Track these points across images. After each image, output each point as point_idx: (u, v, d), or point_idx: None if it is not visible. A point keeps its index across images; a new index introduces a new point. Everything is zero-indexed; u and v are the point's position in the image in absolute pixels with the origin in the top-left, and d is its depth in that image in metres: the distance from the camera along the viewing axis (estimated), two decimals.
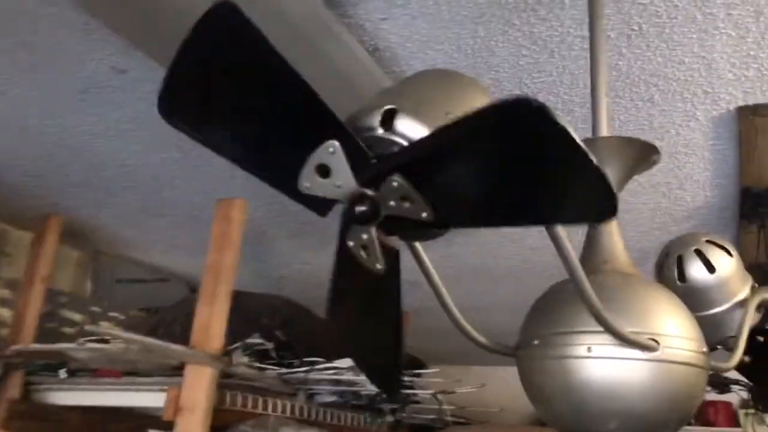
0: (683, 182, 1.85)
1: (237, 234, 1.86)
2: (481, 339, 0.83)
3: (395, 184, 0.58)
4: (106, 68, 1.50)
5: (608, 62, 1.38)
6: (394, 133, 0.60)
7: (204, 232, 2.50)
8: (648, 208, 2.03)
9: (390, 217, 0.61)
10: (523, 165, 0.55)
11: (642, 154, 0.90)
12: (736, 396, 2.80)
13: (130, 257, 2.84)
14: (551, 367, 0.78)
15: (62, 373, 1.92)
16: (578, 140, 0.51)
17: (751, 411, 2.03)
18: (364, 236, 0.64)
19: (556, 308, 0.81)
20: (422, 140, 0.60)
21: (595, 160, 0.53)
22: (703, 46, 1.32)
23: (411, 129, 0.61)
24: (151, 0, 1.18)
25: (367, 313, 0.77)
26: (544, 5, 1.24)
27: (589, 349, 0.76)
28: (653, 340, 0.75)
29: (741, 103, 1.49)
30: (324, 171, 0.60)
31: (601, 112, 0.94)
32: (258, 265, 2.83)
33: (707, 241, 1.08)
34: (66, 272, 2.57)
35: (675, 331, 0.78)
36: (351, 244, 0.65)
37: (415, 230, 0.64)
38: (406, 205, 0.59)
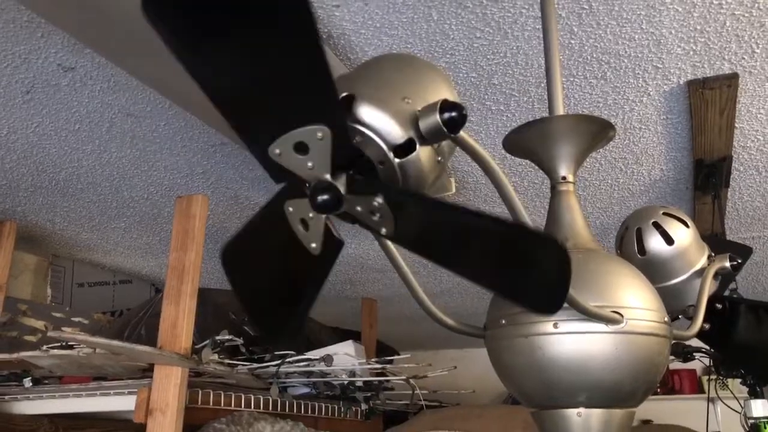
0: (639, 157, 1.88)
1: (200, 231, 1.83)
2: (450, 322, 0.83)
3: (375, 203, 0.58)
4: (53, 66, 1.46)
5: (560, 42, 1.39)
6: (353, 119, 0.60)
7: (165, 231, 2.47)
8: (606, 184, 2.06)
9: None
10: (506, 260, 0.58)
11: (598, 131, 0.91)
12: (699, 363, 2.89)
13: (90, 260, 2.78)
14: (519, 345, 0.79)
15: (27, 382, 1.88)
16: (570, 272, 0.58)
17: (714, 377, 2.09)
18: (311, 214, 0.62)
19: None
20: (430, 200, 0.60)
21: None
22: (652, 22, 1.35)
23: (368, 115, 0.60)
24: None
25: (273, 277, 0.74)
26: None
27: (555, 325, 0.77)
28: (617, 312, 0.77)
29: (690, 77, 1.52)
30: (302, 148, 0.57)
31: (556, 91, 0.95)
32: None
33: (664, 214, 1.10)
34: (24, 279, 2.51)
35: (637, 303, 0.79)
36: (290, 210, 0.63)
37: (367, 229, 0.64)
38: (373, 217, 0.58)
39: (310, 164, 0.58)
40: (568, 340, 0.77)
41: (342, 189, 0.58)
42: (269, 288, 0.75)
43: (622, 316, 0.77)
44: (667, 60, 1.46)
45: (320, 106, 0.55)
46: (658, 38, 1.39)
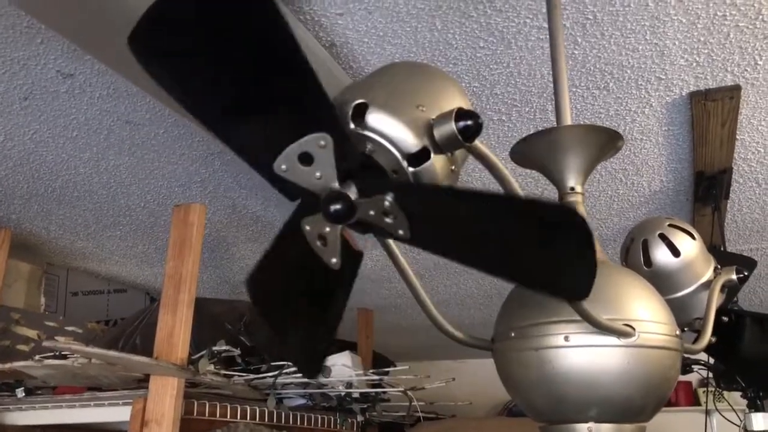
0: (639, 168, 1.88)
1: (197, 240, 1.81)
2: (459, 334, 0.82)
3: (386, 203, 0.56)
4: (52, 73, 1.45)
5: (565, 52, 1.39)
6: (366, 127, 0.59)
7: (162, 240, 2.45)
8: (606, 195, 2.06)
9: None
10: (522, 243, 0.57)
11: (607, 141, 0.91)
12: (695, 375, 2.88)
13: (85, 268, 2.75)
14: (529, 359, 0.78)
15: (20, 392, 1.85)
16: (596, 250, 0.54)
17: (711, 389, 2.08)
18: (327, 228, 0.61)
19: (530, 299, 0.80)
20: (440, 189, 0.58)
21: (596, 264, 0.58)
22: (656, 33, 1.34)
23: (382, 123, 0.59)
24: (97, 1, 1.14)
25: (299, 298, 0.74)
26: None
27: (566, 338, 0.76)
28: (628, 326, 0.76)
29: (693, 89, 1.52)
30: (307, 159, 0.57)
31: (564, 102, 0.95)
32: (218, 271, 2.78)
33: (670, 225, 1.09)
34: (18, 287, 2.48)
35: (649, 316, 0.78)
36: (307, 228, 0.63)
37: (382, 234, 0.63)
38: (387, 220, 0.57)
39: (317, 174, 0.57)
40: (580, 354, 0.76)
41: (352, 196, 0.57)
42: (298, 311, 0.74)
43: (633, 329, 0.76)
44: (670, 71, 1.46)
45: (316, 115, 0.54)
46: (662, 49, 1.39)
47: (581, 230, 0.55)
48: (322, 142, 0.56)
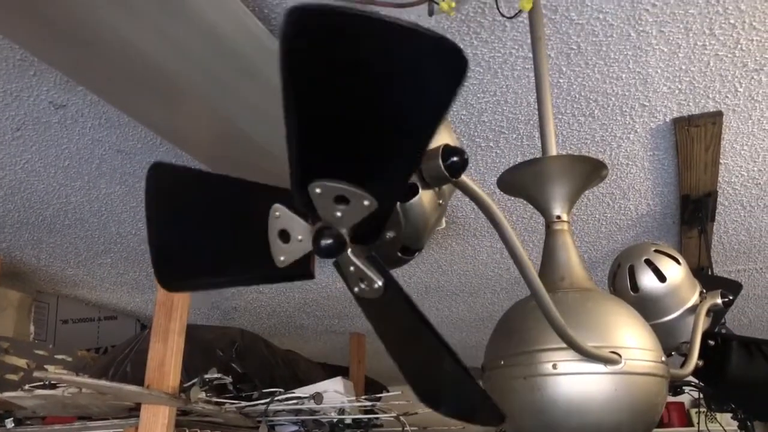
0: (626, 192, 1.91)
1: None
2: None
3: (376, 286, 0.60)
4: (44, 104, 1.46)
5: (550, 81, 1.42)
6: None
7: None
8: (594, 219, 2.08)
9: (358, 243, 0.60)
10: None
11: (592, 170, 0.93)
12: (687, 396, 2.89)
13: (75, 296, 2.74)
14: (519, 386, 0.79)
15: (9, 423, 1.83)
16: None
17: (703, 410, 2.09)
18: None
19: (519, 327, 0.82)
20: (415, 310, 0.62)
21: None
22: (638, 62, 1.38)
23: None
24: (89, 33, 1.15)
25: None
26: (485, 28, 1.27)
27: (554, 366, 0.77)
28: (615, 353, 0.77)
29: (676, 115, 1.55)
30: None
31: (549, 131, 0.97)
32: (210, 297, 2.78)
33: (656, 251, 1.11)
34: (7, 316, 2.46)
35: (635, 343, 0.80)
36: (276, 214, 0.62)
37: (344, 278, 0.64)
38: (361, 284, 0.61)
39: (338, 215, 0.56)
40: (567, 381, 0.77)
41: (321, 223, 0.57)
42: (190, 236, 0.76)
43: (620, 356, 0.77)
44: (654, 98, 1.49)
45: (389, 181, 0.55)
46: (645, 77, 1.42)
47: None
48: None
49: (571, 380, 0.77)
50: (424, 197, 0.62)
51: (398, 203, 0.61)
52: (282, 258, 0.61)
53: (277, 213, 0.60)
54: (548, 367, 0.77)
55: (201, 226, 0.67)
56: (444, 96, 0.49)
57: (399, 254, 0.66)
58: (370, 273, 0.61)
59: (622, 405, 0.77)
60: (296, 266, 0.62)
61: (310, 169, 0.55)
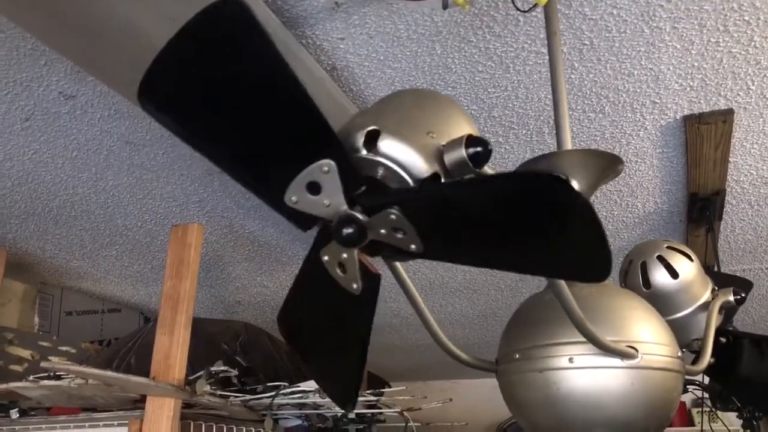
0: (634, 190, 1.90)
1: (195, 260, 1.81)
2: (464, 356, 0.83)
3: (393, 216, 0.57)
4: (54, 94, 1.46)
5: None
6: (378, 153, 0.60)
7: (157, 260, 2.45)
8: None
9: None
10: (529, 225, 0.57)
11: (607, 165, 0.92)
12: (689, 396, 2.89)
13: (79, 288, 2.74)
14: (534, 380, 0.79)
15: (14, 414, 1.83)
16: (596, 214, 0.54)
17: (706, 409, 2.09)
18: (344, 255, 0.63)
19: (534, 321, 0.82)
20: (435, 185, 0.59)
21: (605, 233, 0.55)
22: (651, 59, 1.37)
23: (394, 149, 0.60)
24: (101, 22, 1.15)
25: (328, 329, 0.75)
26: (499, 22, 1.27)
27: (570, 360, 0.77)
28: (632, 347, 0.77)
29: (687, 113, 1.54)
30: (314, 188, 0.58)
31: (564, 126, 0.96)
32: (214, 291, 2.78)
33: (668, 247, 1.11)
34: (11, 307, 2.46)
35: (651, 338, 0.79)
36: (326, 259, 0.64)
37: (395, 254, 0.64)
38: (398, 235, 0.58)
39: (325, 201, 0.58)
40: (584, 375, 0.77)
41: (361, 217, 0.59)
42: (328, 343, 0.75)
43: (637, 350, 0.77)
44: (665, 95, 1.48)
45: (316, 142, 0.56)
46: (657, 74, 1.41)
47: (582, 206, 0.54)
48: (326, 168, 0.57)
49: (588, 374, 0.76)
50: None
51: None
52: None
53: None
54: (564, 360, 0.77)
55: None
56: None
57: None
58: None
59: (638, 400, 0.77)
60: (367, 282, 0.62)
61: (273, 191, 0.58)
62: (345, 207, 0.59)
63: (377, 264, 0.69)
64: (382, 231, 0.58)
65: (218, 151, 0.61)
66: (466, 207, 0.57)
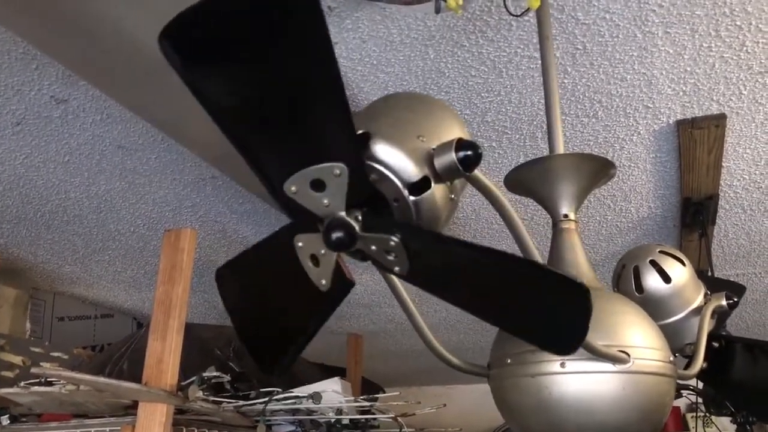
0: (627, 194, 1.90)
1: (188, 265, 1.80)
2: (455, 360, 0.82)
3: (392, 243, 0.57)
4: (46, 98, 1.45)
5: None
6: (369, 157, 0.60)
7: (150, 265, 2.43)
8: (594, 221, 2.08)
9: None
10: (527, 303, 0.58)
11: (599, 169, 0.92)
12: (683, 400, 2.89)
13: (71, 293, 2.72)
14: (526, 385, 0.79)
15: (4, 420, 1.82)
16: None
17: (700, 414, 2.09)
18: (322, 251, 0.62)
19: None
20: (449, 238, 0.59)
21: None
22: (643, 63, 1.37)
23: (385, 153, 0.60)
24: (93, 26, 1.15)
25: (273, 306, 0.75)
26: (491, 27, 1.27)
27: (562, 365, 0.76)
28: (624, 352, 0.77)
29: (680, 117, 1.55)
30: (319, 185, 0.57)
31: (557, 130, 0.96)
32: (207, 296, 2.77)
33: (661, 252, 1.11)
34: (3, 313, 2.44)
35: (643, 343, 0.79)
36: (299, 245, 0.63)
37: (377, 265, 0.63)
38: (388, 257, 0.58)
39: (325, 201, 0.57)
40: (576, 380, 0.76)
41: (356, 227, 0.58)
42: (265, 317, 0.74)
43: (629, 355, 0.76)
44: (658, 100, 1.49)
45: (338, 143, 0.55)
46: (650, 79, 1.41)
47: (582, 301, 0.57)
48: (338, 171, 0.56)
49: (579, 379, 0.76)
50: (437, 192, 0.62)
51: (410, 197, 0.61)
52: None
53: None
54: (556, 365, 0.76)
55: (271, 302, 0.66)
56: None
57: None
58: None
59: (630, 405, 0.77)
60: (337, 283, 0.62)
61: (274, 172, 0.56)
62: (343, 213, 0.58)
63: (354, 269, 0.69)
64: (373, 248, 0.58)
65: (233, 113, 0.56)
66: (471, 267, 0.58)
